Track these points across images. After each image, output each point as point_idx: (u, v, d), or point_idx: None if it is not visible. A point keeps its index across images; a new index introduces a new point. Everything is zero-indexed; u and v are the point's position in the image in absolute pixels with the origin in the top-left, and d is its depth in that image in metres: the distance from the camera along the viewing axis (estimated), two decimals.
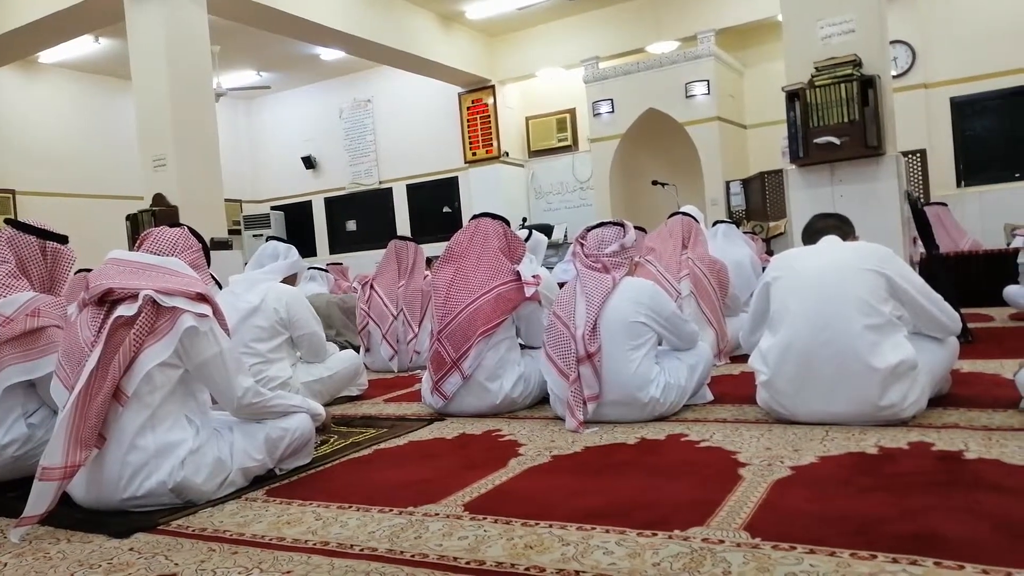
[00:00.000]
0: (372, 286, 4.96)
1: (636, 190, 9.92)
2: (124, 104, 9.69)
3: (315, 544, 1.84)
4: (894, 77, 8.03)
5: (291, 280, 3.71)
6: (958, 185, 8.59)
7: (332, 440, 2.92)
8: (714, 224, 5.38)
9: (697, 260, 4.33)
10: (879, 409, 2.49)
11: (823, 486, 1.99)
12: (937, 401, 2.72)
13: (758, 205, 8.99)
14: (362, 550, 1.78)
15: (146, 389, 2.11)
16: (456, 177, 11.48)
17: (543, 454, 2.52)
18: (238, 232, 11.91)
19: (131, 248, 3.10)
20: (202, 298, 2.25)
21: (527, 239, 4.73)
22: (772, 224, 8.45)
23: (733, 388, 3.33)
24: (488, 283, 3.22)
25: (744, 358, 3.16)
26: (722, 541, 1.65)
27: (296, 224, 12.70)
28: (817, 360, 2.54)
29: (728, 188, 9.23)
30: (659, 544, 1.66)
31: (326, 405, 3.66)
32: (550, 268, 7.81)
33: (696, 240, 4.49)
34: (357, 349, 4.69)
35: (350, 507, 2.10)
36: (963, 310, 4.17)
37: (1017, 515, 1.67)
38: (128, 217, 7.02)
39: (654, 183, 8.56)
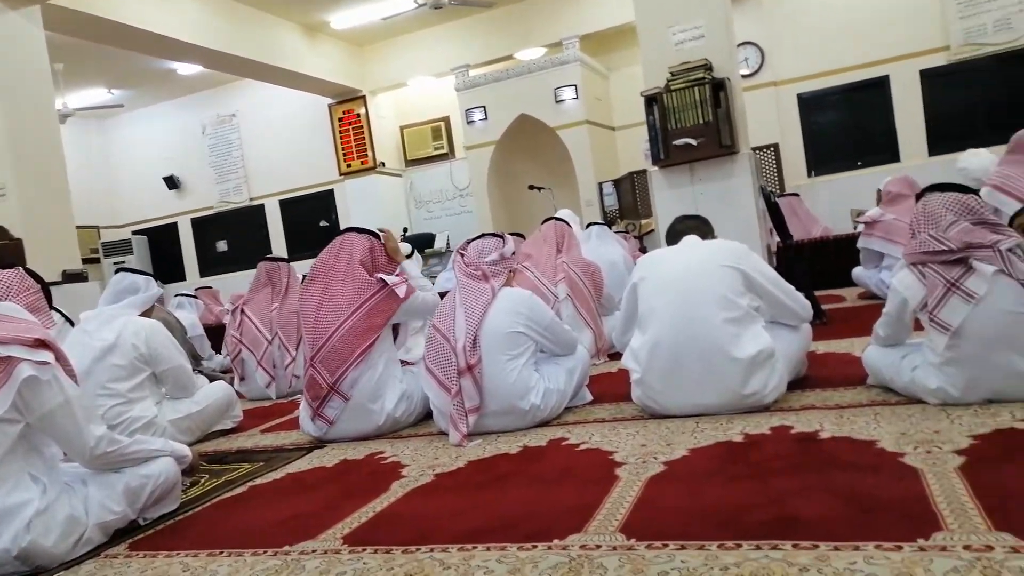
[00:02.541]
0: (243, 311, 4.75)
1: (514, 195, 10.04)
2: None
3: None
4: (745, 76, 8.54)
5: (148, 313, 3.49)
6: (809, 175, 9.21)
7: (203, 481, 2.76)
8: (587, 226, 5.52)
9: (572, 263, 4.42)
10: (743, 397, 2.62)
11: (694, 479, 2.06)
12: (796, 384, 2.89)
13: (630, 204, 9.30)
14: None
15: None
16: (332, 190, 11.21)
17: (426, 473, 2.49)
18: (96, 260, 11.13)
19: None
20: (42, 344, 2.07)
21: (410, 255, 4.68)
22: (644, 222, 8.76)
23: (611, 386, 3.41)
24: (357, 299, 3.12)
25: (621, 355, 3.25)
26: (599, 546, 1.68)
27: (161, 248, 12.01)
28: (684, 355, 2.65)
29: (601, 189, 9.50)
30: (539, 557, 1.67)
31: (198, 442, 3.50)
32: (433, 278, 7.78)
33: (569, 244, 4.59)
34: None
35: (220, 553, 1.99)
36: (818, 293, 4.50)
37: (864, 490, 1.80)
38: None
39: (531, 187, 8.69)
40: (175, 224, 12.22)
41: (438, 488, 2.33)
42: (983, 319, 2.23)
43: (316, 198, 11.35)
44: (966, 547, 1.42)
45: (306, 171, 11.25)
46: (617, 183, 9.48)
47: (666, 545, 1.63)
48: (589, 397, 3.23)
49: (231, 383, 4.29)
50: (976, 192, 2.44)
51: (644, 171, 8.79)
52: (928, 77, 8.57)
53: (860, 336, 3.72)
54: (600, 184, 9.49)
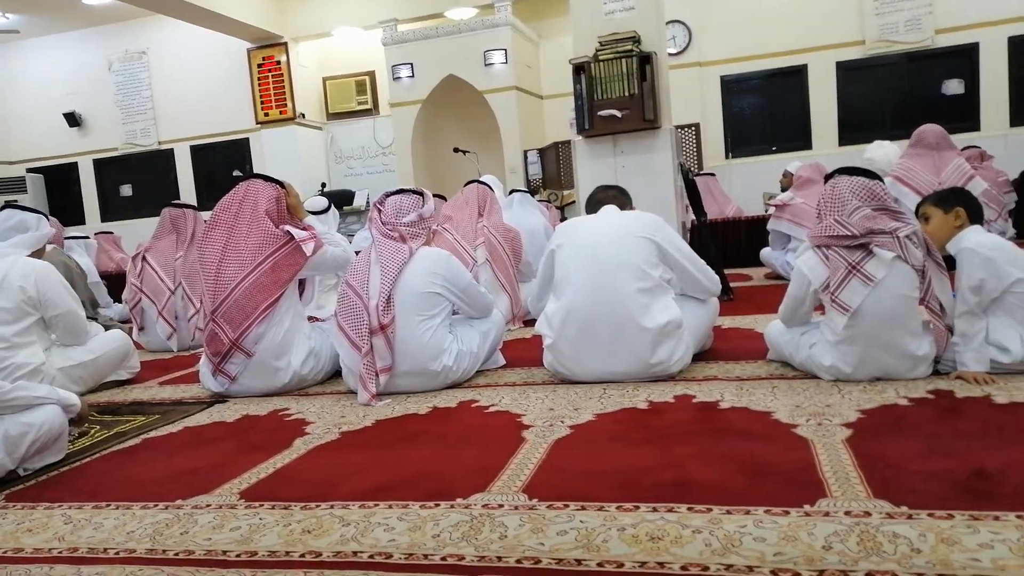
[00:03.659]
0: (145, 259, 4.51)
1: (438, 157, 9.88)
2: None
3: (60, 552, 1.64)
4: (672, 55, 8.63)
5: (39, 254, 3.26)
6: (726, 157, 9.45)
7: (92, 432, 2.62)
8: (510, 192, 5.50)
9: (492, 228, 4.40)
10: (650, 366, 2.68)
11: (598, 442, 2.10)
12: (700, 356, 2.98)
13: (554, 174, 9.32)
14: (117, 553, 1.61)
15: None
16: (247, 138, 10.75)
17: (331, 431, 2.44)
18: None
19: None
20: None
21: (326, 210, 4.55)
22: (566, 193, 8.81)
23: (524, 351, 3.43)
24: (261, 252, 2.99)
25: (536, 322, 3.26)
26: (501, 506, 1.69)
27: (59, 188, 11.27)
28: (596, 322, 2.68)
29: (526, 157, 9.46)
30: (440, 515, 1.67)
31: (91, 392, 3.33)
32: (351, 236, 7.60)
33: (491, 208, 4.56)
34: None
35: (107, 506, 1.90)
36: (727, 271, 4.64)
37: (758, 457, 1.87)
38: None
39: (456, 150, 8.57)
40: (75, 164, 11.47)
41: (343, 446, 2.29)
42: (879, 301, 2.35)
43: (230, 146, 10.86)
44: (847, 513, 1.50)
45: (220, 117, 10.74)
46: (542, 152, 9.47)
47: (567, 506, 1.65)
48: (502, 361, 3.24)
49: (129, 333, 4.09)
50: (881, 179, 2.55)
51: (569, 142, 8.82)
52: (843, 69, 8.89)
53: (764, 313, 3.87)
54: (525, 152, 9.46)
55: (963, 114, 8.43)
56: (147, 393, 3.37)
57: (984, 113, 8.49)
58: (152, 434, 2.60)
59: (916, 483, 1.61)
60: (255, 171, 10.53)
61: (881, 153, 6.06)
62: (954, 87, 8.59)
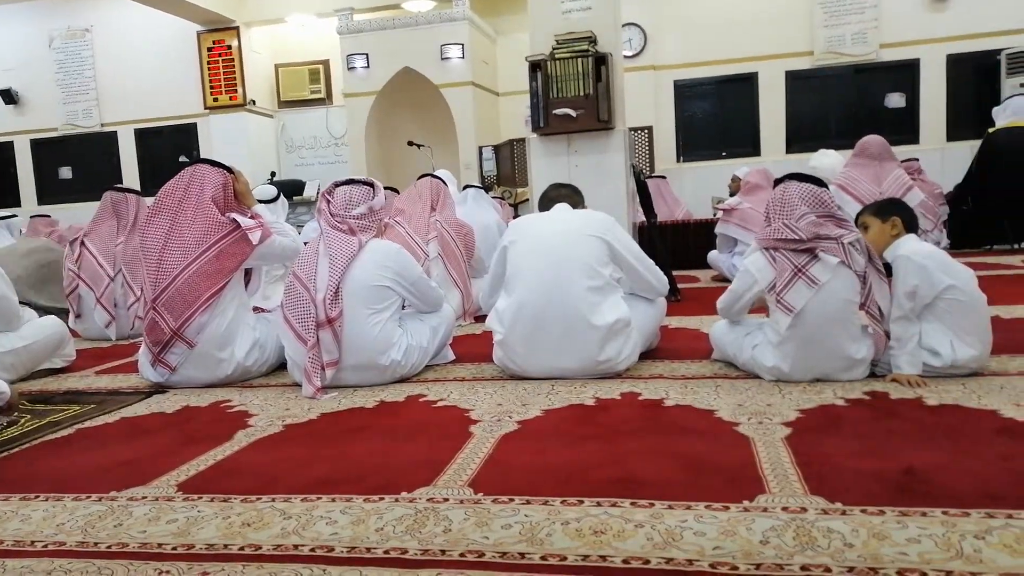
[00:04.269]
0: (83, 243, 4.36)
1: (392, 149, 9.79)
2: None
3: None
4: (628, 57, 8.74)
5: None
6: (677, 160, 9.60)
7: (22, 421, 2.52)
8: (464, 188, 5.48)
9: (445, 223, 4.38)
10: (598, 363, 2.70)
11: (544, 438, 2.11)
12: (647, 355, 3.02)
13: (508, 172, 9.32)
14: (46, 546, 1.55)
15: None
16: (195, 123, 10.48)
17: (275, 424, 2.40)
18: None
19: None
20: None
21: (275, 198, 4.46)
22: (520, 191, 8.82)
23: (474, 347, 3.43)
24: (206, 239, 2.92)
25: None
26: (446, 500, 1.68)
27: None
28: (546, 319, 2.69)
29: (481, 153, 9.45)
30: (384, 509, 1.65)
31: (23, 380, 3.20)
32: (300, 227, 7.48)
33: (444, 202, 4.54)
34: (61, 313, 4.07)
35: (36, 497, 1.83)
36: (675, 272, 4.71)
37: (700, 454, 1.90)
38: None
39: (410, 144, 8.49)
40: (11, 143, 11.01)
41: (286, 439, 2.25)
42: (822, 304, 2.42)
43: (177, 131, 10.58)
44: (784, 508, 1.54)
45: (167, 101, 10.44)
46: (497, 149, 9.46)
47: (512, 500, 1.65)
48: (452, 356, 3.23)
49: (65, 319, 3.94)
50: (827, 187, 2.63)
51: (524, 140, 8.84)
52: (792, 78, 9.11)
53: (710, 314, 3.92)
54: (480, 148, 9.45)
55: (904, 127, 8.74)
56: (83, 382, 3.26)
57: (923, 127, 8.81)
58: (87, 424, 2.52)
59: (850, 480, 1.66)
60: (203, 157, 10.30)
61: (827, 162, 6.24)
62: (896, 100, 8.90)
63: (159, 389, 2.98)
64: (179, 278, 2.86)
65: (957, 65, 8.62)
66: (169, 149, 10.57)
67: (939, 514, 1.47)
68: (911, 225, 2.59)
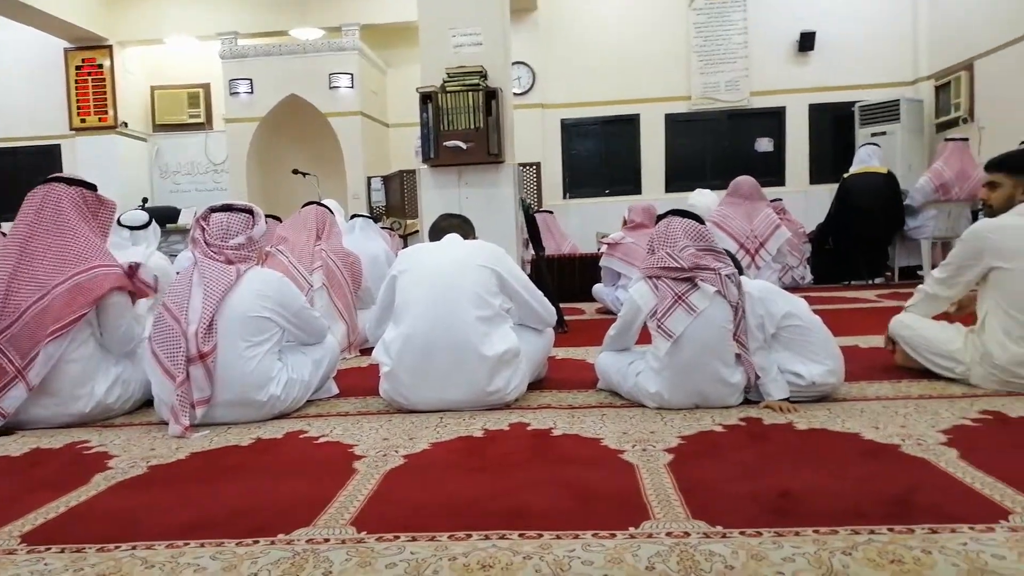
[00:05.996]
0: None
1: (275, 178, 9.52)
2: None
3: None
4: (517, 95, 8.92)
5: None
6: (564, 196, 9.85)
7: None
8: (351, 217, 5.38)
9: (331, 252, 4.26)
10: (487, 394, 2.68)
11: (432, 472, 2.06)
12: (535, 385, 3.03)
13: (398, 202, 9.24)
14: None
15: None
16: (59, 145, 9.81)
17: (138, 465, 2.22)
18: None
19: None
20: None
21: (146, 225, 4.20)
22: (410, 222, 8.76)
23: (360, 380, 3.33)
24: (61, 271, 2.68)
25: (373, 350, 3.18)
26: (327, 540, 1.60)
27: None
28: (435, 349, 2.65)
29: (370, 183, 9.34)
30: (259, 552, 1.55)
31: None
32: (173, 256, 7.08)
33: (331, 231, 4.43)
34: None
35: None
36: (562, 304, 4.79)
37: (587, 482, 1.91)
38: None
39: (295, 172, 8.28)
40: None
41: (150, 481, 2.08)
42: (700, 330, 2.52)
43: (38, 152, 9.86)
44: (668, 534, 1.56)
45: (28, 120, 9.74)
46: (387, 180, 9.38)
47: (397, 537, 1.59)
48: (335, 390, 3.11)
49: None
50: (704, 223, 2.76)
51: (414, 171, 8.81)
52: (671, 121, 9.60)
53: (595, 345, 3.99)
54: (369, 178, 9.34)
55: (772, 169, 9.37)
56: None
57: (789, 170, 9.49)
58: None
59: (729, 504, 1.71)
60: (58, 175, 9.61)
61: (703, 200, 6.57)
62: (765, 145, 9.54)
63: (4, 431, 2.69)
64: (28, 312, 2.59)
65: (817, 114, 9.36)
66: (27, 172, 9.79)
67: (811, 532, 1.53)
68: (739, 268, 2.74)
